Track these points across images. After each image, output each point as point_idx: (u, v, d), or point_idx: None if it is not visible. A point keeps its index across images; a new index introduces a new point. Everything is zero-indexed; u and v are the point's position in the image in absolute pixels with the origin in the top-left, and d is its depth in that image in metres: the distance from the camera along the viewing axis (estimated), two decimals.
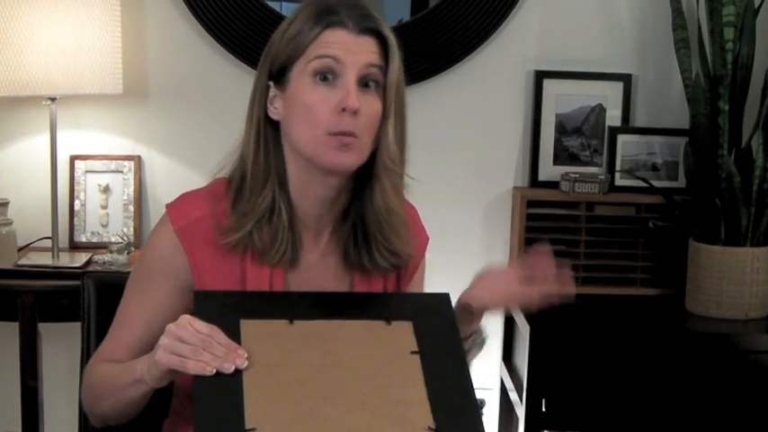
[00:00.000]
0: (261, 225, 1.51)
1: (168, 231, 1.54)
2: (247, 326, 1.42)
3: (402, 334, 1.45)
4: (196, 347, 1.35)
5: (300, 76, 1.48)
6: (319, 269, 1.59)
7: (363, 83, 1.48)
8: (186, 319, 1.38)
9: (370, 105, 1.48)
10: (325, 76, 1.47)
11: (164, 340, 1.37)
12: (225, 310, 1.44)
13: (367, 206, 1.55)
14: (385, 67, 1.49)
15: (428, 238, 1.70)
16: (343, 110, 1.45)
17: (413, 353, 1.42)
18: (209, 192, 1.57)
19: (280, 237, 1.52)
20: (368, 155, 1.50)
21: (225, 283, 1.53)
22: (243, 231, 1.51)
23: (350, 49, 1.46)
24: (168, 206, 1.57)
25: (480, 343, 1.64)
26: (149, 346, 1.46)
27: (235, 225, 1.51)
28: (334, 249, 1.59)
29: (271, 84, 1.52)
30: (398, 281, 1.64)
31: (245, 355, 1.36)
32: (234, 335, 1.39)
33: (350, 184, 1.55)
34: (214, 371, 1.33)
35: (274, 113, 1.52)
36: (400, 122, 1.52)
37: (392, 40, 1.49)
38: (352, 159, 1.48)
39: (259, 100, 1.53)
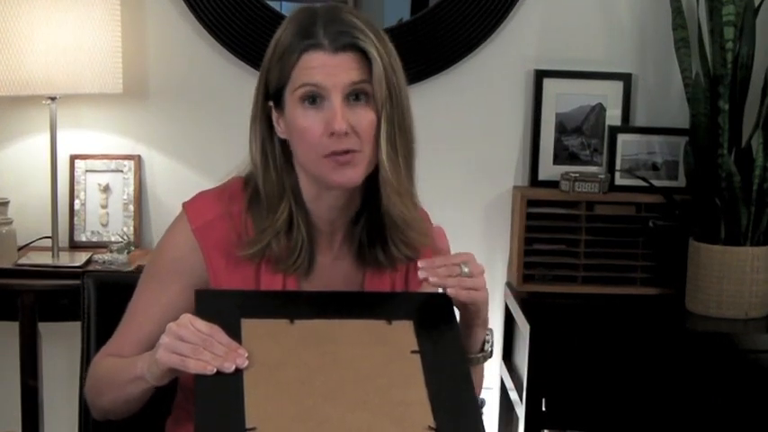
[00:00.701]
0: (279, 237, 1.53)
1: (185, 230, 1.55)
2: (248, 325, 1.42)
3: (402, 333, 1.45)
4: (197, 346, 1.35)
5: (291, 101, 1.49)
6: (331, 272, 1.60)
7: (354, 96, 1.48)
8: (187, 318, 1.39)
9: (363, 118, 1.48)
10: (313, 99, 1.47)
11: (164, 339, 1.37)
12: (226, 309, 1.44)
13: (379, 213, 1.55)
14: (370, 80, 1.48)
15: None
16: (332, 133, 1.46)
17: (413, 352, 1.42)
18: (224, 191, 1.59)
19: (298, 249, 1.54)
20: (373, 165, 1.51)
21: (238, 284, 1.54)
22: (260, 245, 1.53)
23: (330, 73, 1.46)
24: (185, 205, 1.58)
25: (488, 355, 1.61)
26: None
27: (254, 240, 1.53)
28: (347, 252, 1.61)
29: (271, 104, 1.53)
30: (407, 276, 1.64)
31: (246, 355, 1.36)
32: (234, 334, 1.40)
33: (360, 190, 1.56)
34: (215, 370, 1.34)
35: (281, 133, 1.54)
36: (400, 129, 1.50)
37: (372, 52, 1.47)
38: (355, 174, 1.49)
39: (261, 119, 1.54)
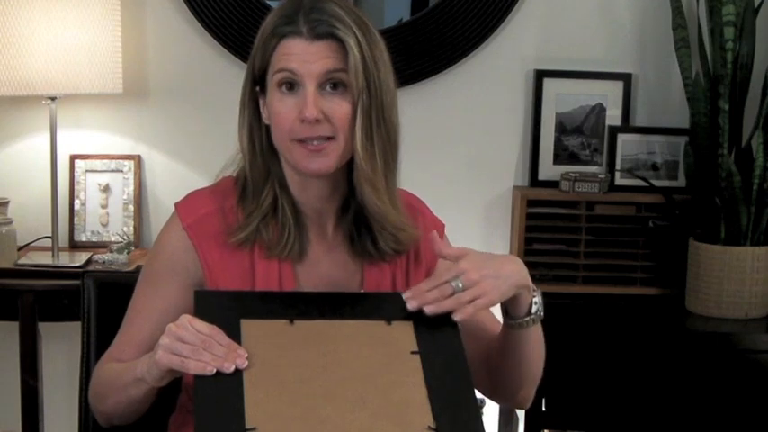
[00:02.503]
0: (267, 221, 1.54)
1: (177, 229, 1.56)
2: (248, 325, 1.42)
3: (402, 333, 1.45)
4: (196, 347, 1.35)
5: (271, 86, 1.51)
6: (328, 262, 1.60)
7: (332, 85, 1.48)
8: (186, 318, 1.39)
9: (338, 106, 1.48)
10: (290, 86, 1.49)
11: (164, 340, 1.37)
12: (225, 309, 1.44)
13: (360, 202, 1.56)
14: (347, 69, 1.48)
15: (443, 225, 1.70)
16: (303, 120, 1.47)
17: (413, 353, 1.42)
18: (216, 189, 1.60)
19: (287, 231, 1.55)
20: (349, 154, 1.51)
21: (234, 277, 1.54)
22: (249, 229, 1.53)
23: (305, 60, 1.47)
24: (177, 204, 1.59)
25: (538, 317, 1.54)
26: None
27: (242, 224, 1.54)
28: (341, 242, 1.61)
29: (258, 89, 1.54)
30: (408, 269, 1.64)
31: (246, 355, 1.36)
32: (234, 334, 1.39)
33: (346, 179, 1.56)
34: (214, 370, 1.33)
35: (266, 119, 1.55)
36: (377, 121, 1.50)
37: (349, 42, 1.47)
38: (327, 163, 1.50)
39: (249, 105, 1.56)
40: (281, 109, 1.49)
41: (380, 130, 1.51)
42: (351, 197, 1.58)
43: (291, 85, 1.48)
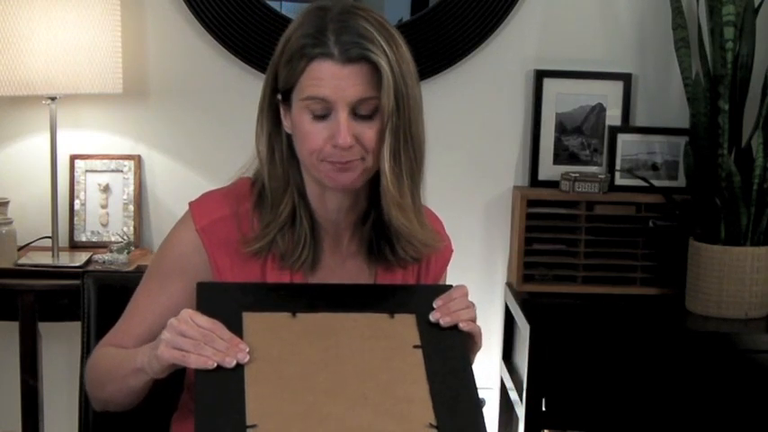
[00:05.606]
0: (284, 232, 1.53)
1: (190, 229, 1.54)
2: (250, 318, 1.42)
3: (404, 327, 1.45)
4: (197, 342, 1.35)
5: (298, 106, 1.47)
6: (341, 272, 1.59)
7: (361, 108, 1.44)
8: (188, 313, 1.39)
9: (368, 129, 1.45)
10: (321, 115, 1.45)
11: (165, 335, 1.38)
12: (227, 302, 1.44)
13: (383, 217, 1.54)
14: (379, 95, 1.44)
15: (452, 251, 1.70)
16: (335, 145, 1.44)
17: (415, 347, 1.42)
18: (232, 191, 1.58)
19: (302, 244, 1.54)
20: (375, 171, 1.49)
21: None
22: (265, 240, 1.52)
23: (338, 86, 1.42)
24: (191, 204, 1.58)
25: None
26: None
27: (258, 235, 1.52)
28: (356, 250, 1.60)
29: (279, 98, 1.51)
30: (419, 276, 1.64)
31: (247, 350, 1.36)
32: (236, 328, 1.39)
33: (366, 192, 1.55)
34: (215, 365, 1.34)
35: (287, 128, 1.52)
36: (405, 141, 1.47)
37: (382, 64, 1.42)
38: (353, 178, 1.48)
39: (268, 113, 1.53)
40: (310, 130, 1.45)
41: (407, 147, 1.48)
42: (371, 209, 1.56)
43: (321, 114, 1.45)
